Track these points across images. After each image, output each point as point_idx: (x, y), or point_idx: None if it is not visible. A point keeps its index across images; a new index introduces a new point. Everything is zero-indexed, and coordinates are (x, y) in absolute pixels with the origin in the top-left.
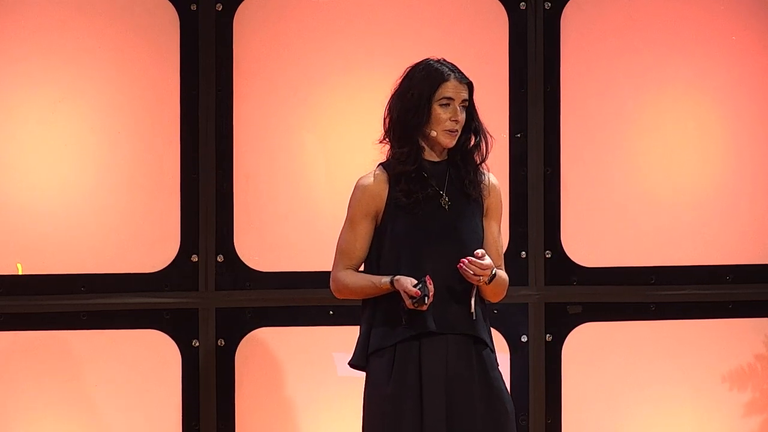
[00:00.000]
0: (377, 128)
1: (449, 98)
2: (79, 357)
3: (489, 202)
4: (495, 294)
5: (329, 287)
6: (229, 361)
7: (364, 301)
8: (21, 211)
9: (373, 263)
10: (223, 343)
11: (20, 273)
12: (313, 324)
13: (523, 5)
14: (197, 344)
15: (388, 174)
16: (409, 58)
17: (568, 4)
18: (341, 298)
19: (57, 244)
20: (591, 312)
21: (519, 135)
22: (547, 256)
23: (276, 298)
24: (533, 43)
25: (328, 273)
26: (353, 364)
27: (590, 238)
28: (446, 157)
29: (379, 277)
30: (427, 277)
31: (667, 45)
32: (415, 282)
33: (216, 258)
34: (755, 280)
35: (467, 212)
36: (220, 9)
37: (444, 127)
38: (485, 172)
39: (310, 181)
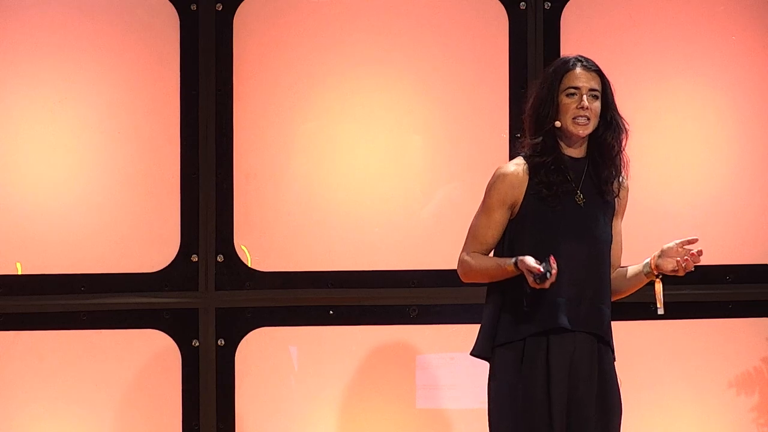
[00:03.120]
0: (377, 127)
1: (575, 87)
2: (79, 357)
3: (620, 203)
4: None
5: (329, 286)
6: (229, 361)
7: (489, 290)
8: (21, 211)
9: (505, 253)
10: (223, 343)
11: (20, 273)
12: (313, 324)
13: (523, 5)
14: (197, 344)
15: (529, 165)
16: (408, 57)
17: (568, 4)
18: (466, 281)
19: (57, 244)
20: None
21: (519, 135)
22: None
23: (276, 298)
24: (533, 43)
25: (328, 273)
26: (477, 354)
27: None
28: (585, 154)
29: (505, 258)
30: (551, 257)
31: (667, 45)
32: (542, 260)
33: (216, 258)
34: (755, 280)
35: (600, 211)
36: (220, 9)
37: (571, 115)
38: (622, 173)
39: (310, 181)
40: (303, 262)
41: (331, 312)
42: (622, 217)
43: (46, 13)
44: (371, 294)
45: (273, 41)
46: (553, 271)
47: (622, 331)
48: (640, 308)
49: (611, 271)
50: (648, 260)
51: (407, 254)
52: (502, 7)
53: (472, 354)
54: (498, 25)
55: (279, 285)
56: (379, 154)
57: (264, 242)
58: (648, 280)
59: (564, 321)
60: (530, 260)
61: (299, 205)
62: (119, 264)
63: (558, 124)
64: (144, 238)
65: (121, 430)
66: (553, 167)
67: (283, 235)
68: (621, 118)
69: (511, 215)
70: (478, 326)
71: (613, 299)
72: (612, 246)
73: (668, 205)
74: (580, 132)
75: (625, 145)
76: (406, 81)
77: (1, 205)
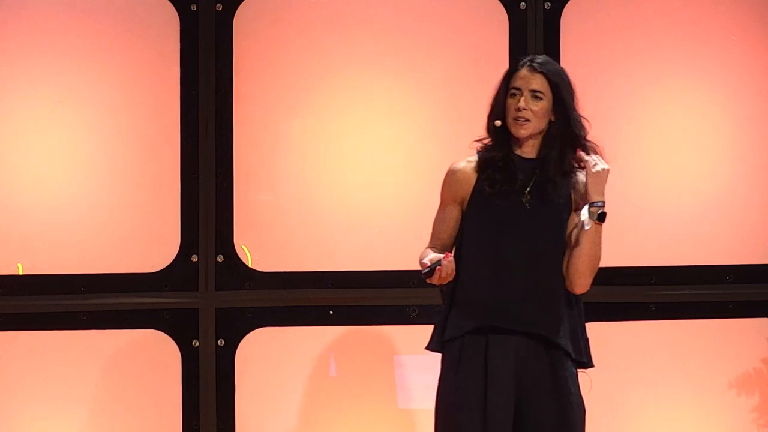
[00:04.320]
0: (377, 127)
1: (516, 88)
2: (79, 357)
3: (577, 199)
4: (591, 257)
5: (329, 286)
6: (229, 361)
7: (446, 288)
8: (21, 211)
9: (457, 250)
10: (223, 343)
11: (21, 273)
12: (313, 324)
13: (523, 5)
14: (197, 344)
15: (478, 162)
16: (409, 57)
17: (568, 4)
18: None
19: (57, 244)
20: (590, 312)
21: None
22: None
23: (276, 298)
24: (533, 43)
25: (328, 273)
26: (430, 348)
27: None
28: (537, 154)
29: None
30: (447, 254)
31: (667, 45)
32: (439, 258)
33: (216, 258)
34: (755, 280)
35: (551, 212)
36: (220, 9)
37: (511, 115)
38: (579, 170)
39: (310, 181)
40: (303, 262)
41: (331, 312)
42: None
43: (46, 13)
44: (371, 294)
45: (273, 41)
46: (439, 268)
47: (623, 331)
48: (640, 308)
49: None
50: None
51: (407, 254)
52: (502, 7)
53: (426, 348)
54: (498, 25)
55: (279, 285)
56: (379, 154)
57: (264, 242)
58: (587, 223)
59: (494, 320)
60: (427, 257)
61: (299, 205)
62: (119, 264)
63: (498, 123)
64: (144, 238)
65: (121, 430)
66: (500, 164)
67: (283, 235)
68: (579, 118)
69: (462, 210)
70: None
71: (582, 272)
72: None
73: (668, 204)
74: (520, 133)
75: (571, 148)
76: (406, 81)
77: (1, 205)
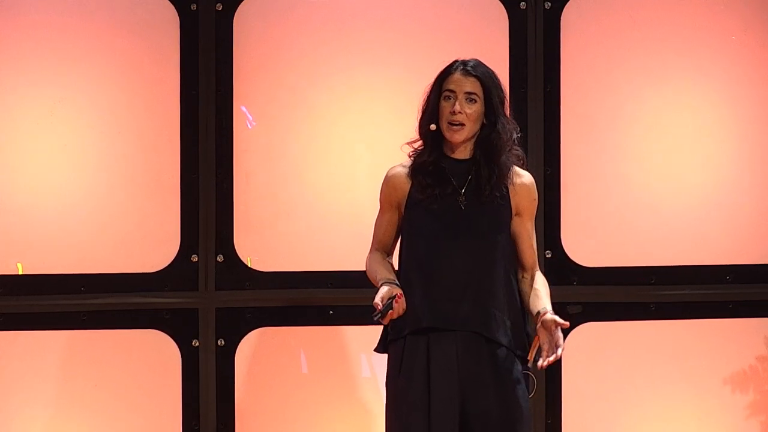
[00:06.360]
0: (376, 127)
1: (451, 91)
2: (79, 357)
3: (518, 201)
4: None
5: (329, 286)
6: (229, 361)
7: None
8: (21, 211)
9: (400, 254)
10: (223, 343)
11: (21, 273)
12: (313, 324)
13: (523, 5)
14: (197, 344)
15: (411, 167)
16: (408, 57)
17: (568, 4)
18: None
19: (57, 244)
20: (591, 312)
21: (519, 135)
22: (548, 256)
23: (276, 298)
24: (533, 43)
25: (328, 273)
26: (377, 350)
27: (590, 238)
28: (470, 156)
29: (382, 275)
30: (398, 294)
31: (667, 45)
32: (389, 296)
33: (216, 258)
34: (755, 280)
35: (488, 213)
36: (220, 9)
37: (446, 119)
38: (516, 171)
39: (310, 181)
40: (303, 262)
41: (331, 312)
42: (529, 217)
43: (47, 13)
44: (371, 294)
45: (273, 41)
46: (391, 312)
47: (623, 331)
48: (639, 308)
49: (527, 274)
50: (539, 311)
51: None
52: (502, 7)
53: (374, 350)
54: (498, 25)
55: (279, 285)
56: (379, 154)
57: (264, 242)
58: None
59: (432, 322)
60: (379, 295)
61: (299, 204)
62: (119, 264)
63: (433, 127)
64: (144, 238)
65: (121, 430)
66: (431, 168)
67: (283, 235)
68: (509, 122)
69: (400, 215)
70: None
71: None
72: (520, 247)
73: (668, 204)
74: (455, 138)
75: (503, 150)
76: (406, 81)
77: (1, 205)
